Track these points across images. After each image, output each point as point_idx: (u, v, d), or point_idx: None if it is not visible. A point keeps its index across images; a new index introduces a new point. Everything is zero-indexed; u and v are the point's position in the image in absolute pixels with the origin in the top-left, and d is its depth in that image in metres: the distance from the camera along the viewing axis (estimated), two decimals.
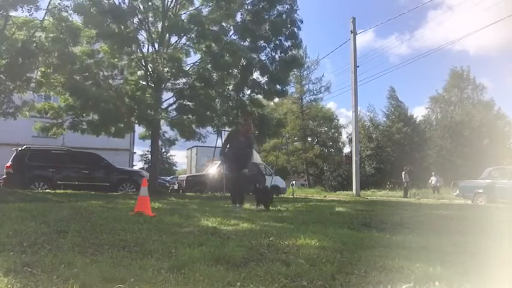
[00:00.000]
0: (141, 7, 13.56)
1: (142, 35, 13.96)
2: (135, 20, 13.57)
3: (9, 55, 11.95)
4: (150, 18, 13.92)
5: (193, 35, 13.77)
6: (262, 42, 14.29)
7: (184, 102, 14.27)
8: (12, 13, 12.03)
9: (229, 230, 4.12)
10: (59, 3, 12.45)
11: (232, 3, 13.13)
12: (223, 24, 13.94)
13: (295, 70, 43.03)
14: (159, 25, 14.17)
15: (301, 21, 14.36)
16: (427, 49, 59.70)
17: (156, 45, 14.23)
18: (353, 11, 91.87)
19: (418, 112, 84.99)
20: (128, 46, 13.27)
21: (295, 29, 14.21)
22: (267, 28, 13.94)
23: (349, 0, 75.25)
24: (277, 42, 14.27)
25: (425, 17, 73.21)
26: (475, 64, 73.85)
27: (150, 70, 14.08)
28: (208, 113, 14.03)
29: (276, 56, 14.50)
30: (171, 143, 15.68)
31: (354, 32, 18.61)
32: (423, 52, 59.00)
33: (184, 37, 14.10)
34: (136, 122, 14.22)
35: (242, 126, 7.54)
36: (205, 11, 14.05)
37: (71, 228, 3.74)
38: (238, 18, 14.04)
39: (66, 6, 12.51)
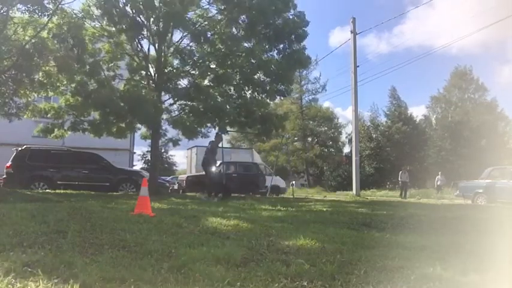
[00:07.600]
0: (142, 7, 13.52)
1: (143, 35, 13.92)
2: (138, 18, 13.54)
3: (10, 56, 11.89)
4: (152, 17, 13.88)
5: (197, 34, 13.74)
6: (266, 45, 14.26)
7: (187, 103, 14.23)
8: (14, 13, 11.95)
9: (229, 230, 4.13)
10: (69, 7, 12.41)
11: (236, 7, 13.12)
12: (229, 25, 13.90)
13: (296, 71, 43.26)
14: (161, 24, 14.14)
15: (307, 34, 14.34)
16: (406, 46, 58.99)
17: (157, 45, 14.20)
18: (350, 11, 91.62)
19: (417, 112, 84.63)
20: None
21: (300, 38, 14.14)
22: (272, 32, 13.91)
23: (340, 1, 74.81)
24: (281, 46, 14.23)
25: (406, 14, 72.19)
26: (460, 62, 73.15)
27: (152, 70, 14.05)
28: (210, 113, 13.99)
29: (280, 59, 14.46)
30: (175, 142, 15.59)
31: (354, 32, 18.58)
32: (406, 49, 58.21)
33: (187, 36, 14.05)
34: (138, 123, 14.17)
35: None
36: (212, 9, 14.09)
37: (71, 228, 3.74)
38: (242, 20, 14.00)
39: (75, 10, 12.51)
